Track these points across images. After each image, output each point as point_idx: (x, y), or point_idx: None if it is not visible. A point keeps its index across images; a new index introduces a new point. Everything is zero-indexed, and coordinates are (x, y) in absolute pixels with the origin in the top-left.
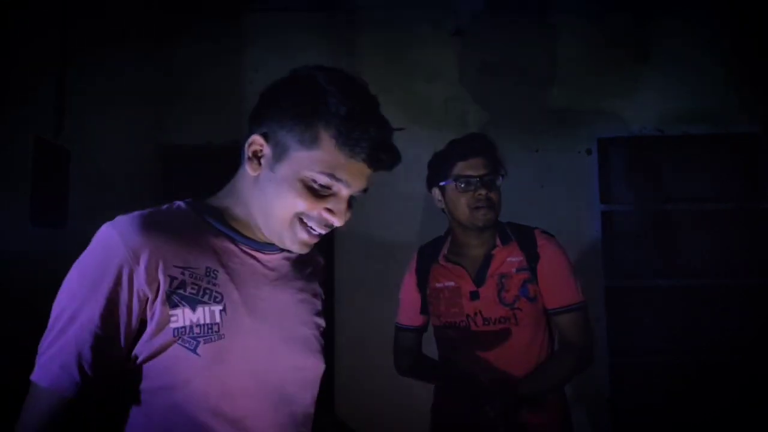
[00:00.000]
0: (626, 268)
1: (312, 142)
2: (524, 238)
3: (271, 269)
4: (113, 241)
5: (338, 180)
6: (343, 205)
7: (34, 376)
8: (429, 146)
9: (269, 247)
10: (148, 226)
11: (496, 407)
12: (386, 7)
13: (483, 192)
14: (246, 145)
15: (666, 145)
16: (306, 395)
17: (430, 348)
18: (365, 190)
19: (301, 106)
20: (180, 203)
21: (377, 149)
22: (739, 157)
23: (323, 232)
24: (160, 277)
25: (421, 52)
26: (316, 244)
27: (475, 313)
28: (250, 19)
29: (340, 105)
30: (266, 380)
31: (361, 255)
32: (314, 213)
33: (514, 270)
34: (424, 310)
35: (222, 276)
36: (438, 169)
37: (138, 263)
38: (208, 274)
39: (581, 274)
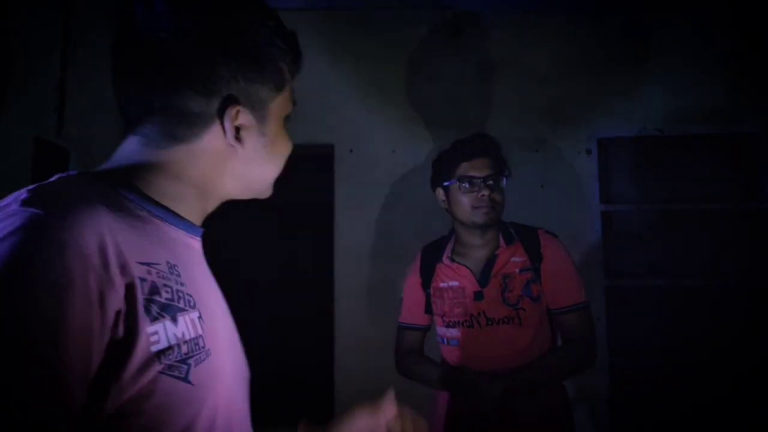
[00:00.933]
0: (626, 268)
1: (281, 81)
2: (528, 238)
3: (201, 257)
4: (50, 228)
5: (295, 103)
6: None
7: None
8: (429, 146)
9: (197, 230)
10: (88, 204)
11: (486, 391)
12: (386, 6)
13: (486, 193)
14: (227, 122)
15: (666, 145)
16: (248, 407)
17: (431, 348)
18: None
19: (256, 47)
20: (71, 175)
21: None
22: (739, 157)
23: None
24: (134, 277)
25: (421, 52)
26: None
27: (479, 313)
28: None
29: (275, 27)
30: (235, 399)
31: (361, 255)
32: None
33: (517, 270)
34: (428, 309)
35: (183, 271)
36: (442, 170)
37: (101, 258)
38: (171, 270)
39: (581, 274)
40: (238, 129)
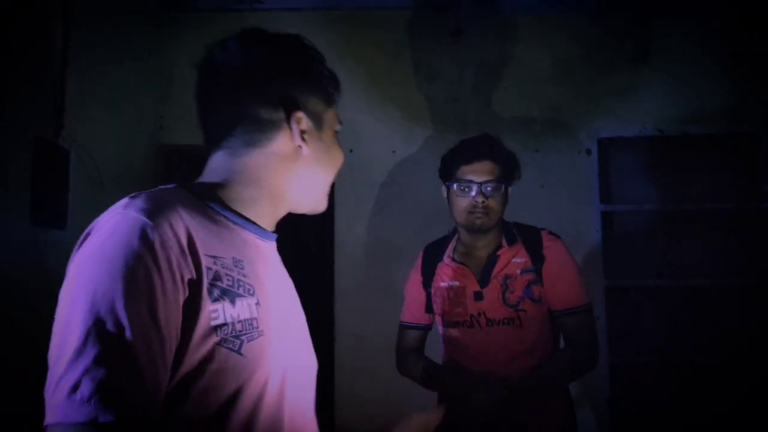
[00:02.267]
0: (626, 268)
1: (329, 99)
2: (530, 239)
3: (273, 259)
4: (143, 225)
5: (341, 123)
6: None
7: (83, 416)
8: (429, 146)
9: (270, 234)
10: (173, 207)
11: (485, 397)
12: (386, 6)
13: (480, 199)
14: (294, 125)
15: (666, 145)
16: (313, 397)
17: (432, 348)
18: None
19: (310, 69)
20: (171, 187)
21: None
22: (739, 157)
23: None
24: (202, 265)
25: (421, 52)
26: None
27: (479, 314)
28: (250, 18)
29: (321, 60)
30: (294, 382)
31: (361, 255)
32: None
33: (519, 271)
34: (429, 308)
35: (247, 266)
36: (446, 168)
37: (180, 249)
38: (236, 264)
39: (581, 275)
40: (302, 132)
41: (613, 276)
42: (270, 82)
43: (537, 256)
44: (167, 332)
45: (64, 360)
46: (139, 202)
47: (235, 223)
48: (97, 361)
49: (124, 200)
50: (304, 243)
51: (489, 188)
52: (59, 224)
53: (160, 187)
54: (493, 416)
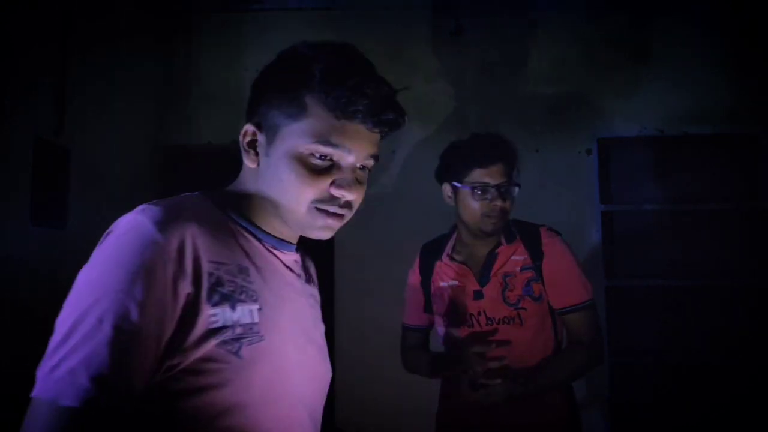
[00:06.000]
0: (626, 268)
1: (299, 111)
2: (529, 236)
3: (288, 269)
4: (148, 230)
5: (335, 146)
6: (349, 176)
7: (50, 394)
8: (429, 146)
9: (287, 245)
10: (183, 215)
11: (497, 392)
12: (386, 6)
13: (498, 203)
14: (240, 138)
15: (666, 145)
16: (322, 404)
17: (433, 348)
18: (375, 158)
19: (284, 78)
20: (194, 194)
21: (372, 104)
22: (739, 157)
23: (342, 212)
24: (202, 271)
25: (421, 52)
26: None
27: (479, 313)
28: (250, 19)
29: (322, 65)
30: (293, 389)
31: (361, 255)
32: (323, 193)
33: (518, 269)
34: (428, 308)
35: (253, 274)
36: (453, 167)
37: (179, 255)
38: (241, 271)
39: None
40: (250, 144)
41: (613, 276)
42: (251, 99)
43: (536, 253)
44: (147, 334)
45: (53, 343)
46: (154, 209)
47: (249, 232)
48: (73, 350)
49: (143, 205)
50: (304, 243)
51: (505, 191)
52: (59, 224)
53: (186, 194)
54: (497, 411)
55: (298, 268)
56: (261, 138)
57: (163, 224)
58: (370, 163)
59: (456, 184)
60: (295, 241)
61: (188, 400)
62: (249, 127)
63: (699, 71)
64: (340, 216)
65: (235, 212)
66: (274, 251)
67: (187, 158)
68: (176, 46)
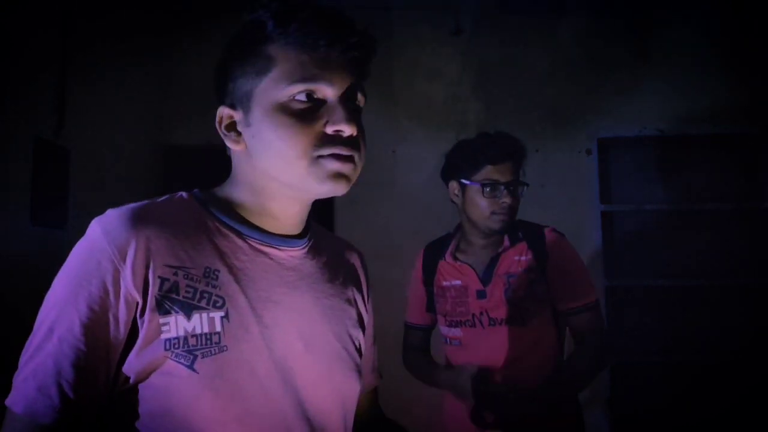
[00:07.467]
0: (626, 268)
1: (266, 64)
2: (533, 237)
3: (288, 269)
4: (97, 237)
5: (310, 80)
6: (340, 110)
7: (9, 400)
8: (429, 146)
9: (286, 242)
10: (138, 219)
11: (513, 409)
12: (386, 7)
13: (507, 201)
14: (217, 125)
15: (666, 145)
16: (333, 420)
17: (434, 349)
18: (362, 92)
19: (241, 44)
20: (182, 193)
21: (332, 28)
22: (739, 157)
23: (349, 152)
24: (150, 278)
25: (421, 52)
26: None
27: (482, 313)
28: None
29: (271, 12)
30: (280, 402)
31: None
32: (319, 136)
33: (522, 269)
34: (431, 307)
35: (224, 276)
36: (461, 165)
37: (124, 262)
38: (206, 274)
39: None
40: (230, 127)
41: (613, 276)
42: (216, 81)
43: (540, 254)
44: (98, 340)
45: (24, 351)
46: (110, 216)
47: (233, 230)
48: (29, 360)
49: (109, 209)
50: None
51: (514, 189)
52: (59, 224)
53: (171, 194)
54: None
55: (308, 267)
56: (238, 115)
57: (112, 231)
58: (359, 98)
59: (465, 181)
60: (298, 233)
61: (146, 414)
62: (223, 110)
63: (699, 71)
64: (349, 158)
65: (221, 210)
66: (265, 248)
67: (187, 158)
68: (176, 45)
